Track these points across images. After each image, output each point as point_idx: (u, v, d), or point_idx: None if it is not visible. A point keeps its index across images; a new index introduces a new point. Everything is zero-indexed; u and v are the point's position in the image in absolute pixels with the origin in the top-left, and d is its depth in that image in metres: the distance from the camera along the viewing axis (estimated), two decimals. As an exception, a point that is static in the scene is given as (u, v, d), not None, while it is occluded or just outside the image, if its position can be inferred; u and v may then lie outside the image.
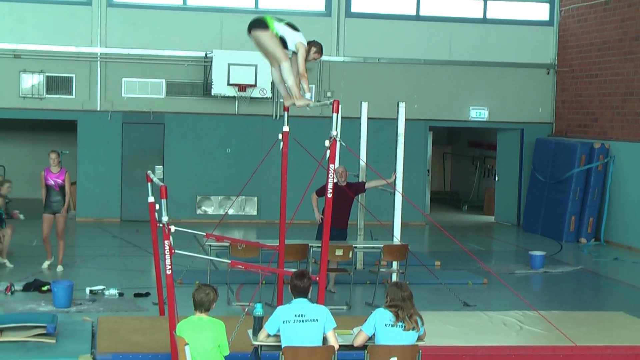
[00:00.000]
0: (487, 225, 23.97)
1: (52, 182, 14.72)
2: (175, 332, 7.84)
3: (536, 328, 11.25)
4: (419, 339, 7.77)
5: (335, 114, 9.65)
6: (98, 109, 21.38)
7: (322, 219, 13.04)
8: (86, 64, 21.19)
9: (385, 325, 7.63)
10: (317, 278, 10.23)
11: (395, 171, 14.24)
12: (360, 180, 14.83)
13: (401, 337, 7.61)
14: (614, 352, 10.49)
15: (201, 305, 7.72)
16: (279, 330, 7.61)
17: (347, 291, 13.40)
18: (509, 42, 23.05)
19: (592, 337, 10.89)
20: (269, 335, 7.69)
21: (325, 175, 9.74)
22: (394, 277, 13.82)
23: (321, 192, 13.23)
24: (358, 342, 7.74)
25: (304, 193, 11.36)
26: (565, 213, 20.73)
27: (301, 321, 7.57)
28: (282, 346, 7.47)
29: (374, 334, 7.71)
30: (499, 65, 23.06)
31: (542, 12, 23.34)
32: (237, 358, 8.35)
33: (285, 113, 11.37)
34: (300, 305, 7.67)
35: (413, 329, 7.66)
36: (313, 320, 7.61)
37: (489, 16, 23.08)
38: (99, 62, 21.18)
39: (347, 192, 13.72)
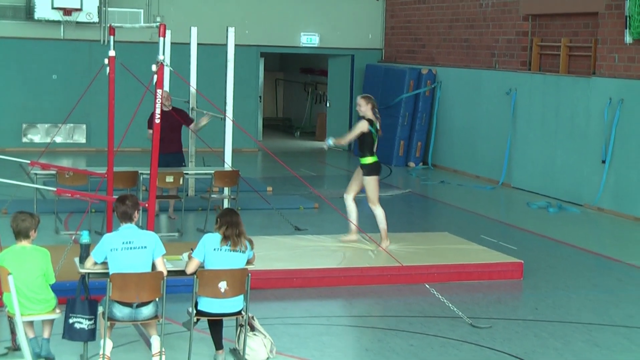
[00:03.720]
0: (319, 151, 24.22)
1: None
2: (-3, 262, 7.61)
3: (365, 250, 11.50)
4: (248, 262, 7.79)
5: (162, 38, 9.50)
6: None
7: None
8: None
9: (214, 249, 7.63)
10: (147, 204, 10.14)
11: (207, 112, 14.08)
12: (188, 109, 14.70)
13: (229, 259, 7.60)
14: (438, 271, 10.85)
15: (20, 233, 7.52)
16: (106, 258, 7.49)
17: (179, 218, 13.34)
18: (339, -32, 23.16)
19: (419, 257, 11.22)
20: (95, 263, 7.56)
21: (153, 102, 9.59)
22: (226, 203, 13.82)
23: (151, 122, 13.04)
24: (190, 269, 7.69)
25: (131, 119, 11.15)
26: (395, 138, 21.15)
27: (129, 248, 7.46)
28: (110, 273, 7.36)
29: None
30: (329, -9, 23.18)
31: (372, -63, 23.51)
32: (65, 286, 8.20)
33: (112, 37, 11.12)
34: (128, 232, 7.56)
35: (241, 250, 7.66)
36: (141, 248, 7.50)
37: (320, -59, 23.10)
38: None
39: (174, 116, 13.62)
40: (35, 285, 7.44)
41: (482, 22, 19.72)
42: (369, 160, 11.48)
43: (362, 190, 11.81)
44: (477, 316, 9.43)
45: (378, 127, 11.47)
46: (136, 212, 7.68)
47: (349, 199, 11.84)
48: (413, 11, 22.44)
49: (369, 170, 11.53)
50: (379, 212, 11.66)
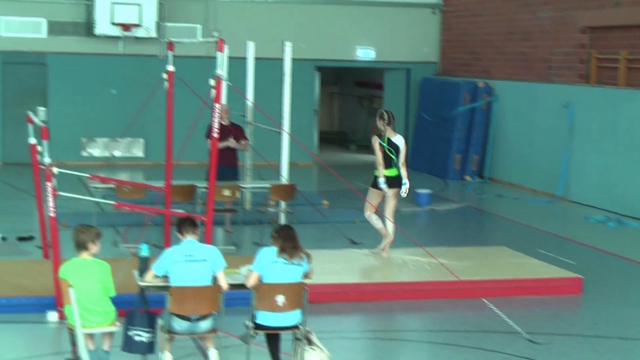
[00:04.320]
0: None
1: None
2: (58, 274, 7.73)
3: (421, 264, 11.47)
4: (306, 276, 7.81)
5: (220, 53, 9.60)
6: (-25, 49, 20.76)
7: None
8: (-38, 2, 20.50)
9: (271, 262, 7.66)
10: (204, 218, 10.24)
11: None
12: (243, 124, 14.83)
13: (286, 272, 7.62)
14: (495, 285, 10.79)
15: (79, 245, 7.62)
16: (167, 272, 7.57)
17: (236, 231, 13.42)
18: (395, -18, 23.18)
19: (475, 271, 11.17)
20: (156, 276, 7.64)
21: (210, 116, 9.69)
22: (282, 217, 13.87)
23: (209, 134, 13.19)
24: (251, 282, 7.69)
25: (189, 133, 11.27)
26: (451, 151, 21.08)
27: (190, 261, 7.55)
28: (170, 286, 7.44)
29: (262, 273, 7.74)
30: (385, 5, 23.18)
31: (427, -49, 23.51)
32: (124, 299, 8.29)
33: (170, 52, 11.24)
34: (189, 245, 7.65)
35: (297, 263, 7.68)
36: (202, 261, 7.59)
37: (375, -44, 23.15)
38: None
39: (231, 130, 13.75)
40: (95, 297, 7.52)
41: (539, 34, 19.60)
42: (375, 173, 11.75)
43: (381, 205, 11.90)
44: (534, 331, 9.36)
45: (394, 140, 11.70)
46: (197, 228, 7.81)
47: (385, 215, 11.95)
48: (469, 24, 22.38)
49: (372, 182, 11.81)
50: (368, 218, 11.87)
